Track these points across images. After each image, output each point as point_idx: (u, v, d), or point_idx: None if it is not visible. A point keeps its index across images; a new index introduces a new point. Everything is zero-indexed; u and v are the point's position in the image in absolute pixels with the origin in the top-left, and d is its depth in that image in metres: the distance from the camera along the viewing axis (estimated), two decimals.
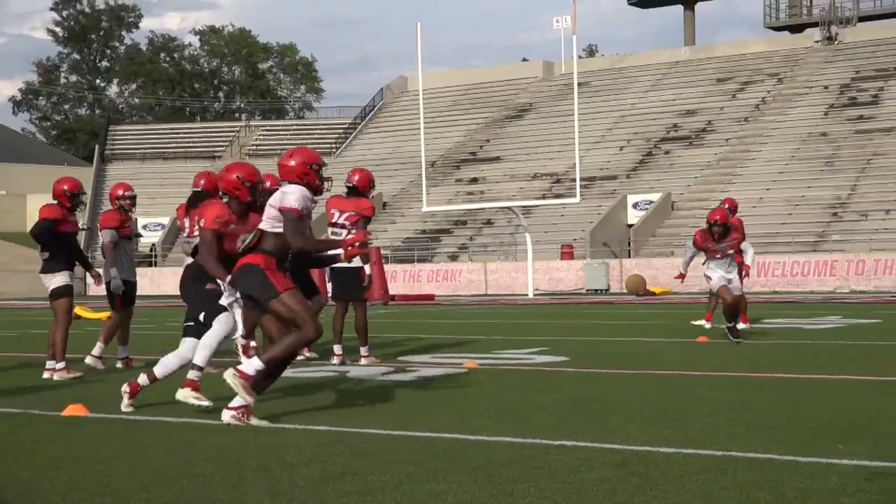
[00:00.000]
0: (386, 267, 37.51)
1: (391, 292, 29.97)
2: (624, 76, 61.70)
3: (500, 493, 5.28)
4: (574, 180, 40.56)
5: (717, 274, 14.52)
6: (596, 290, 38.44)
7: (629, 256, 42.40)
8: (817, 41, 58.36)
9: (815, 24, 60.82)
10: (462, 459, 6.08)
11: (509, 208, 41.95)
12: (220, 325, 8.39)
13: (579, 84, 44.44)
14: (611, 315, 23.72)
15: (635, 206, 46.20)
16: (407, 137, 59.28)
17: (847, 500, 5.03)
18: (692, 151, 51.39)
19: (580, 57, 66.49)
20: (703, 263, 14.89)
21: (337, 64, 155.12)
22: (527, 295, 36.95)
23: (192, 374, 8.44)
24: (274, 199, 7.94)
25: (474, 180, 54.53)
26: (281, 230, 7.85)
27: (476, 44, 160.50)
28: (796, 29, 63.53)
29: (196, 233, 11.46)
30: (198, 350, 8.43)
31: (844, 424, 7.13)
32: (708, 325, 17.17)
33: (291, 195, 7.88)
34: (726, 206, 17.38)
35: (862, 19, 61.40)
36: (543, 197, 48.43)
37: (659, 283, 37.34)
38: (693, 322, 17.95)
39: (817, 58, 56.91)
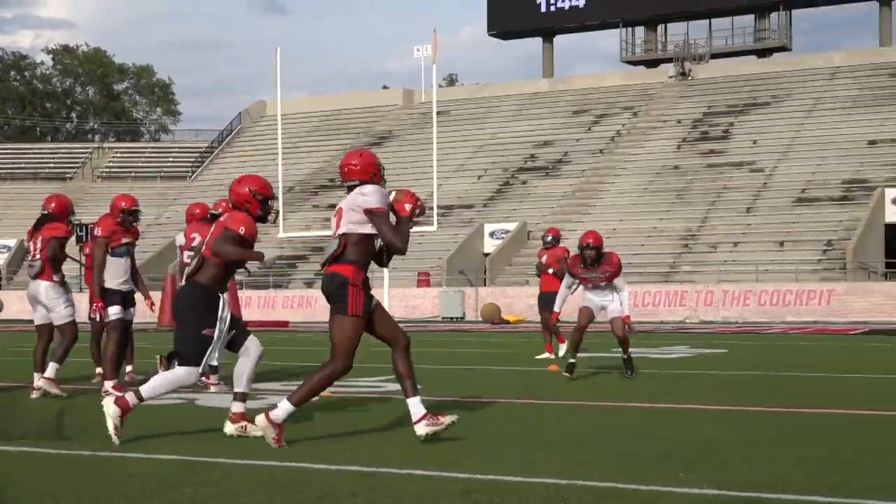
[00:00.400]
0: (240, 292, 37.08)
1: (244, 318, 29.65)
2: (483, 106, 62.29)
3: None
4: (432, 208, 40.75)
5: (591, 303, 13.38)
6: (451, 318, 38.63)
7: (485, 285, 42.74)
8: (671, 76, 59.81)
9: (669, 60, 62.28)
10: (308, 489, 6.03)
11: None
12: (180, 374, 7.98)
13: (439, 113, 44.78)
14: (465, 343, 23.85)
15: (492, 234, 46.65)
16: (265, 162, 58.80)
17: None
18: (548, 182, 52.10)
19: (440, 86, 66.87)
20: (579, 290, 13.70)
21: (194, 87, 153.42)
22: None
23: (130, 398, 7.90)
24: (353, 203, 7.80)
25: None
26: (368, 231, 7.82)
27: (337, 71, 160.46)
28: (651, 64, 64.94)
29: (38, 256, 11.18)
30: (150, 383, 7.96)
31: (684, 453, 7.27)
32: (553, 356, 16.84)
33: (371, 196, 7.76)
34: (550, 237, 17.83)
35: (714, 56, 63.10)
36: None
37: (514, 311, 37.67)
38: (536, 357, 17.38)
39: (671, 93, 58.29)
